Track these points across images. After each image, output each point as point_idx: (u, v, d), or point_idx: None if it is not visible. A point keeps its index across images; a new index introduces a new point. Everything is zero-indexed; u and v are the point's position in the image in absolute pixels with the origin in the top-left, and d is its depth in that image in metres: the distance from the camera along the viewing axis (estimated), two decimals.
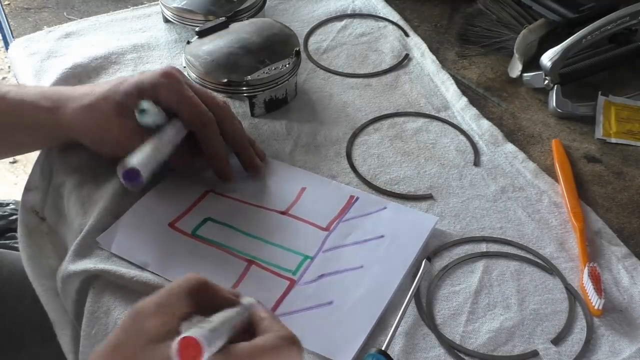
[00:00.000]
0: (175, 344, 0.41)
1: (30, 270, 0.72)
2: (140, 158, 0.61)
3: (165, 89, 0.67)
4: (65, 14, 0.98)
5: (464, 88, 0.86)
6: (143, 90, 0.67)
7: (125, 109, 0.66)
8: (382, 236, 0.67)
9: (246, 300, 0.50)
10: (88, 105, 0.68)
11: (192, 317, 0.46)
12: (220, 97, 0.72)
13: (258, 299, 0.61)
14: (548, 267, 0.65)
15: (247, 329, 0.48)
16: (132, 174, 0.60)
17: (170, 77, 0.67)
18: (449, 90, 0.85)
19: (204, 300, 0.48)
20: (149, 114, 0.65)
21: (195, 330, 0.43)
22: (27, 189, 0.76)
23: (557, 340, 0.60)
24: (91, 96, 0.68)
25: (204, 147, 0.69)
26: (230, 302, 0.49)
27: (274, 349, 0.46)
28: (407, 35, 0.94)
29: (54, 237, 0.74)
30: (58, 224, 0.74)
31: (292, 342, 0.47)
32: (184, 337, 0.41)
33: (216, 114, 0.68)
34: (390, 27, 0.95)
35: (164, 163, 0.65)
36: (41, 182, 0.75)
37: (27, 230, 0.74)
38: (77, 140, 0.71)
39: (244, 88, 0.77)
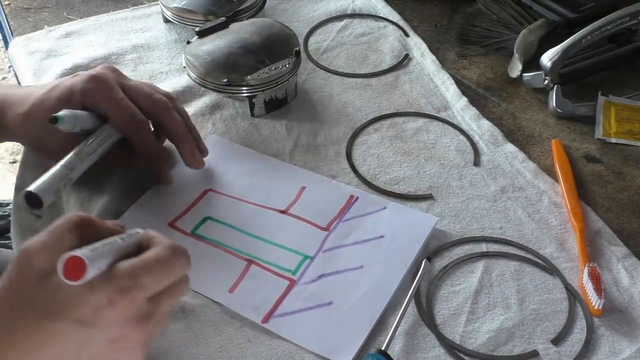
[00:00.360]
0: (59, 263, 0.44)
1: None
2: (41, 183, 0.60)
3: (93, 94, 0.66)
4: (65, 14, 0.98)
5: (464, 88, 0.86)
6: (72, 97, 0.66)
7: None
8: (382, 236, 0.67)
9: (133, 230, 0.52)
10: (24, 113, 0.67)
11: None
12: (161, 91, 0.71)
13: (257, 300, 0.61)
14: (548, 267, 0.65)
15: (138, 252, 0.50)
16: (32, 199, 0.59)
17: (99, 81, 0.66)
18: (449, 90, 0.85)
19: (88, 234, 0.49)
20: (64, 122, 0.63)
21: (78, 250, 0.45)
22: (19, 187, 0.76)
23: (557, 340, 0.60)
24: (27, 103, 0.68)
25: (137, 151, 0.68)
26: (115, 232, 0.51)
27: (161, 260, 0.49)
28: (407, 35, 0.94)
29: None
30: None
31: (179, 251, 0.50)
32: (68, 256, 0.44)
33: (153, 111, 0.68)
34: (390, 27, 0.95)
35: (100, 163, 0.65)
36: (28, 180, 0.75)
37: (20, 229, 0.74)
38: (20, 142, 0.72)
39: (244, 88, 0.77)
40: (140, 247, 0.51)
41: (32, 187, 0.59)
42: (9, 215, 1.45)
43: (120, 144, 0.68)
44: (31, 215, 0.61)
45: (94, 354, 0.48)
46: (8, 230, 1.43)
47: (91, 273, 0.45)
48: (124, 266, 0.48)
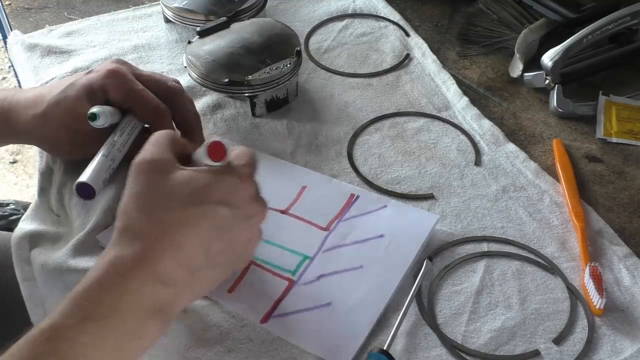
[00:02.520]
0: (204, 146, 0.52)
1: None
2: (91, 172, 0.63)
3: (113, 89, 0.67)
4: (66, 13, 0.98)
5: (465, 88, 0.86)
6: (92, 93, 0.67)
7: (77, 114, 0.66)
8: (381, 235, 0.67)
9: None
10: (39, 114, 0.68)
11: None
12: (170, 78, 0.72)
13: (256, 300, 0.61)
14: (549, 267, 0.65)
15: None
16: (84, 189, 0.63)
17: (117, 75, 0.67)
18: (450, 90, 0.85)
19: (180, 143, 0.57)
20: (100, 118, 0.65)
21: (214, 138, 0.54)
22: (42, 188, 0.77)
23: (559, 340, 0.60)
24: (41, 105, 0.68)
25: None
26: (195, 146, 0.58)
27: (251, 152, 0.57)
28: (407, 35, 0.94)
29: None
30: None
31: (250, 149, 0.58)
32: (210, 141, 0.52)
33: (168, 98, 0.70)
34: (391, 27, 0.95)
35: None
36: (46, 183, 0.75)
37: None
38: (34, 145, 0.74)
39: (245, 88, 0.77)
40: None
41: (83, 178, 0.63)
42: (9, 215, 1.45)
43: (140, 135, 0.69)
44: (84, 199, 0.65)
45: (233, 232, 0.54)
46: (8, 230, 1.43)
47: (229, 156, 0.53)
48: (235, 155, 0.55)
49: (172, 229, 0.50)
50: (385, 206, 0.70)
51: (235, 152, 0.56)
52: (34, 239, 0.70)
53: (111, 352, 0.48)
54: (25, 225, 0.73)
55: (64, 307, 0.48)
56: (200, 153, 0.54)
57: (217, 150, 0.53)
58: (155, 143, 0.55)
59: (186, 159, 0.56)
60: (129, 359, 0.50)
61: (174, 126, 0.71)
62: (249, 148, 0.57)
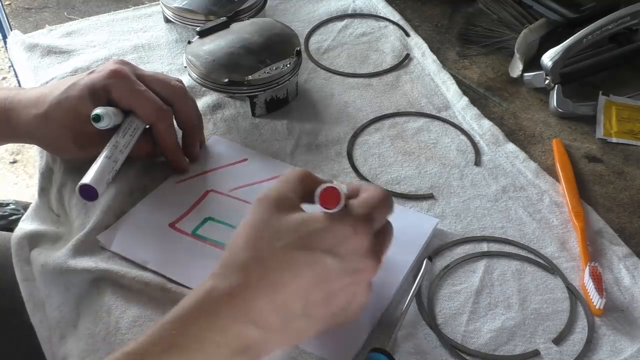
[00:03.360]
0: (318, 191, 0.50)
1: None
2: (94, 174, 0.63)
3: (116, 89, 0.67)
4: (65, 13, 0.99)
5: (465, 88, 0.86)
6: (95, 94, 0.67)
7: (80, 114, 0.66)
8: None
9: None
10: (41, 114, 0.68)
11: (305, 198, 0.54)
12: (173, 78, 0.72)
13: None
14: (549, 267, 0.65)
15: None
16: (87, 190, 0.62)
17: (120, 75, 0.67)
18: (450, 90, 0.85)
19: (311, 183, 0.55)
20: (104, 119, 0.65)
21: (329, 183, 0.51)
22: (42, 188, 0.76)
23: (559, 340, 0.60)
24: (43, 105, 0.68)
25: (158, 140, 0.70)
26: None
27: (382, 196, 0.54)
28: (407, 35, 0.94)
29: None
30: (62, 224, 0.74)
31: (387, 193, 0.55)
32: (325, 186, 0.51)
33: (170, 99, 0.70)
34: (391, 27, 0.95)
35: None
36: (47, 183, 0.75)
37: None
38: (36, 145, 0.73)
39: (245, 88, 0.77)
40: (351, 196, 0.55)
41: (86, 180, 0.62)
42: (9, 215, 1.45)
43: (142, 135, 0.70)
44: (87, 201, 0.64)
45: (336, 285, 0.51)
46: (8, 230, 1.42)
47: (342, 203, 0.51)
48: (358, 202, 0.52)
49: (273, 269, 0.49)
50: None
51: (363, 196, 0.53)
52: (34, 239, 0.70)
53: None
54: (25, 225, 0.73)
55: (151, 332, 0.47)
56: (316, 194, 0.51)
57: (329, 197, 0.50)
58: (285, 180, 0.54)
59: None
60: None
61: (175, 126, 0.71)
62: (381, 190, 0.54)
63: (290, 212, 0.51)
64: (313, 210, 0.52)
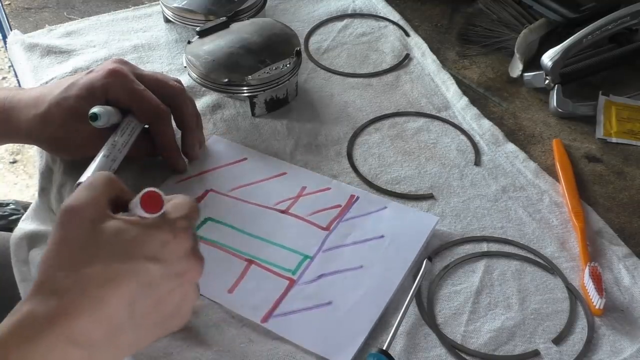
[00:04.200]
0: (138, 197, 0.48)
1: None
2: (92, 173, 0.63)
3: (114, 89, 0.67)
4: (65, 13, 0.99)
5: (465, 88, 0.86)
6: (93, 93, 0.67)
7: (79, 114, 0.66)
8: (382, 236, 0.67)
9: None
10: (41, 114, 0.68)
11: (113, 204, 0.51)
12: (173, 77, 0.72)
13: (257, 300, 0.61)
14: (549, 267, 0.65)
15: None
16: None
17: (118, 75, 0.67)
18: (450, 90, 0.85)
19: (117, 188, 0.52)
20: (102, 118, 0.65)
21: (150, 188, 0.49)
22: (42, 188, 0.76)
23: (558, 340, 0.60)
24: (43, 104, 0.68)
25: (156, 139, 0.70)
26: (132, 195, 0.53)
27: (193, 202, 0.53)
28: (407, 35, 0.94)
29: None
30: None
31: (195, 201, 0.55)
32: (148, 191, 0.48)
33: (169, 99, 0.69)
34: (391, 26, 0.95)
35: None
36: (47, 183, 0.75)
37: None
38: (35, 145, 0.73)
39: (245, 88, 0.77)
40: None
41: (84, 178, 0.62)
42: (9, 215, 1.45)
43: (141, 135, 0.70)
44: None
45: (162, 291, 0.50)
46: (8, 230, 1.42)
47: (164, 207, 0.49)
48: (172, 205, 0.51)
49: (93, 285, 0.46)
50: (385, 207, 0.70)
51: (174, 202, 0.52)
52: (32, 239, 0.70)
53: None
54: (25, 225, 0.73)
55: None
56: (135, 202, 0.49)
57: (151, 202, 0.48)
58: (89, 187, 0.50)
59: (123, 205, 0.52)
60: None
61: (174, 126, 0.71)
62: (189, 198, 0.53)
63: (102, 221, 0.48)
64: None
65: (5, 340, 0.44)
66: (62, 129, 0.68)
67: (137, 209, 0.49)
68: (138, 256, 0.48)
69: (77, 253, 0.47)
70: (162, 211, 0.49)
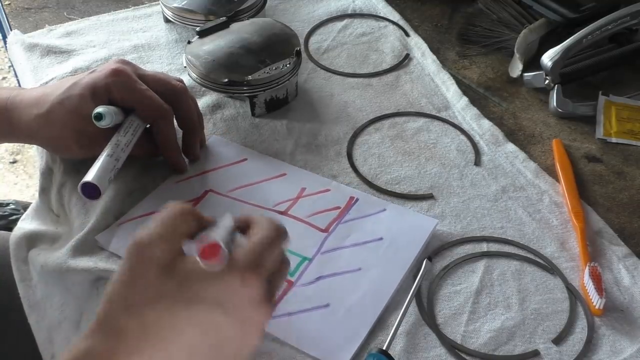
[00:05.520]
0: (197, 249, 0.46)
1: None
2: (96, 172, 0.63)
3: (117, 88, 0.67)
4: (65, 13, 0.99)
5: (465, 88, 0.86)
6: (96, 93, 0.67)
7: (82, 113, 0.66)
8: (380, 238, 0.67)
9: (224, 217, 0.53)
10: (43, 114, 0.68)
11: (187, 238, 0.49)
12: (175, 77, 0.72)
13: None
14: (549, 267, 0.65)
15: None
16: (90, 189, 0.62)
17: (121, 75, 0.67)
18: (450, 90, 0.85)
19: (191, 221, 0.51)
20: (106, 118, 0.65)
21: (209, 234, 0.47)
22: (43, 188, 0.76)
23: (558, 340, 0.60)
24: (45, 104, 0.68)
25: (157, 139, 0.70)
26: (212, 222, 0.52)
27: (272, 239, 0.50)
28: (407, 35, 0.94)
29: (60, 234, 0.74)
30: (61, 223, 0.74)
31: (281, 228, 0.52)
32: (205, 243, 0.46)
33: (171, 98, 0.69)
34: (391, 26, 0.95)
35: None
36: (47, 183, 0.76)
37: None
38: (37, 145, 0.73)
39: (245, 88, 0.77)
40: (242, 229, 0.52)
41: (89, 178, 0.62)
42: (9, 215, 1.45)
43: (143, 134, 0.70)
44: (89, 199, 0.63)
45: (225, 338, 0.48)
46: (8, 230, 1.42)
47: (225, 255, 0.47)
48: (246, 249, 0.49)
49: (155, 330, 0.45)
50: (384, 209, 0.70)
51: (252, 239, 0.49)
52: (32, 239, 0.70)
53: None
54: (25, 224, 0.73)
55: None
56: (194, 248, 0.47)
57: (210, 254, 0.46)
58: (162, 223, 0.49)
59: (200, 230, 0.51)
60: None
61: (176, 126, 0.71)
62: (275, 229, 0.50)
63: (171, 264, 0.47)
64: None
65: None
66: (64, 129, 0.68)
67: (196, 252, 0.47)
68: (201, 303, 0.46)
69: (141, 295, 0.46)
70: (221, 266, 0.47)
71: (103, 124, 0.65)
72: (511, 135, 0.80)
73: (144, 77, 0.69)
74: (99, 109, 0.65)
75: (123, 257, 0.48)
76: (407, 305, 0.60)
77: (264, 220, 0.52)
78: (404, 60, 0.89)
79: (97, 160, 0.64)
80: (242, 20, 0.86)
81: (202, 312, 0.46)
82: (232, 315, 0.47)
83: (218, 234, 0.49)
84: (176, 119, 0.71)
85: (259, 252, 0.49)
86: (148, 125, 0.70)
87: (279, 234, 0.51)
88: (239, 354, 0.51)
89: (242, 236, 0.51)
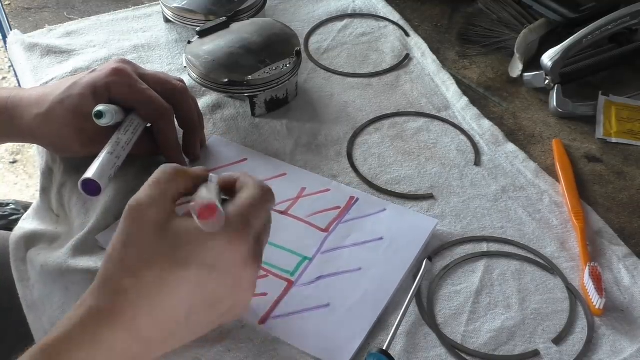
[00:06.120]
0: (196, 206, 0.47)
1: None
2: (97, 169, 0.63)
3: (118, 88, 0.67)
4: (65, 13, 0.99)
5: (465, 88, 0.86)
6: (96, 92, 0.67)
7: (82, 112, 0.66)
8: (380, 238, 0.67)
9: (212, 174, 0.56)
10: (43, 113, 0.68)
11: (179, 198, 0.52)
12: (175, 77, 0.72)
13: (255, 301, 0.61)
14: (549, 267, 0.65)
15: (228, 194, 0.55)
16: (90, 185, 0.62)
17: (121, 74, 0.67)
18: (450, 90, 0.85)
19: (184, 181, 0.53)
20: (106, 116, 0.65)
21: (203, 195, 0.50)
22: (44, 188, 0.76)
23: (558, 340, 0.60)
24: (45, 104, 0.68)
25: (158, 138, 0.70)
26: (204, 177, 0.55)
27: (258, 199, 0.52)
28: (407, 35, 0.94)
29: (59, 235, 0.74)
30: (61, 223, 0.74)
31: (267, 188, 0.54)
32: (202, 203, 0.48)
33: (172, 98, 0.70)
34: (391, 27, 0.95)
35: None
36: (48, 183, 0.76)
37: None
38: (38, 144, 0.73)
39: (245, 88, 0.77)
40: (227, 189, 0.55)
41: (89, 174, 0.62)
42: (9, 215, 1.45)
43: (143, 133, 0.70)
44: (89, 196, 0.63)
45: (218, 296, 0.51)
46: (8, 230, 1.42)
47: (221, 215, 0.48)
48: (234, 210, 0.51)
49: (152, 289, 0.49)
50: (384, 209, 0.70)
51: (240, 201, 0.51)
52: (31, 239, 0.70)
53: None
54: (25, 224, 0.73)
55: (29, 356, 0.46)
56: (192, 207, 0.49)
57: (208, 214, 0.48)
58: (155, 184, 0.52)
59: (194, 189, 0.53)
60: None
61: (176, 126, 0.71)
62: (261, 190, 0.52)
63: (166, 222, 0.50)
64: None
65: (69, 333, 0.47)
66: (64, 128, 0.68)
67: (194, 213, 0.48)
68: (195, 264, 0.49)
69: (138, 256, 0.49)
70: (219, 227, 0.49)
71: (103, 122, 0.65)
72: (511, 135, 0.80)
73: (144, 76, 0.69)
74: (100, 107, 0.65)
75: (123, 215, 0.51)
76: (407, 305, 0.60)
77: (250, 180, 0.54)
78: (404, 60, 0.89)
79: (97, 158, 0.64)
80: (242, 20, 0.86)
81: (195, 271, 0.49)
82: (224, 274, 0.50)
83: (212, 194, 0.51)
84: (176, 119, 0.71)
85: (247, 213, 0.51)
86: (149, 125, 0.70)
87: (265, 194, 0.53)
88: (232, 311, 0.54)
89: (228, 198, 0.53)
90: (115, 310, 0.48)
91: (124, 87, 0.67)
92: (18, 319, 0.71)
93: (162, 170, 0.53)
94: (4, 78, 2.35)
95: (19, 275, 0.70)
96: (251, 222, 0.52)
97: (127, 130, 0.67)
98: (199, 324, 0.52)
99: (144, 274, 0.49)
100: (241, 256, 0.51)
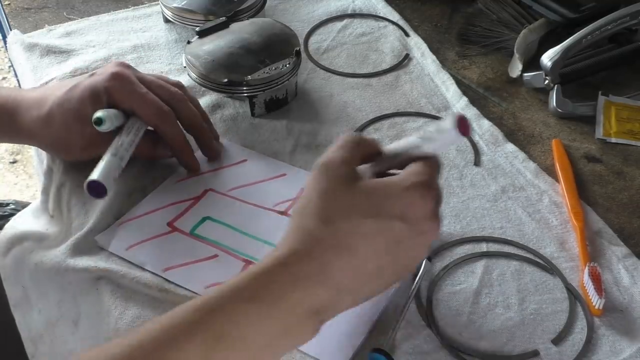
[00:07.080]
0: (456, 118, 0.50)
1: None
2: (102, 170, 0.63)
3: (118, 92, 0.67)
4: (65, 13, 0.99)
5: (465, 88, 0.86)
6: (96, 96, 0.67)
7: (81, 116, 0.66)
8: None
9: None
10: (43, 115, 0.68)
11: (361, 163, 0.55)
12: (171, 80, 0.73)
13: None
14: (548, 267, 0.65)
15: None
16: (96, 187, 0.62)
17: (121, 78, 0.68)
18: (450, 90, 0.85)
19: (367, 149, 0.56)
20: (106, 122, 0.65)
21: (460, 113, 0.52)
22: (44, 188, 0.77)
23: (558, 340, 0.60)
24: (45, 106, 0.68)
25: (167, 141, 0.70)
26: (380, 150, 0.57)
27: (438, 161, 0.55)
28: (407, 35, 0.94)
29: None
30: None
31: (440, 160, 0.56)
32: (460, 116, 0.50)
33: (172, 101, 0.70)
34: (391, 27, 0.95)
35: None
36: (48, 182, 0.76)
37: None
38: (37, 147, 0.73)
39: (245, 88, 0.77)
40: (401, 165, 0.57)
41: (95, 176, 0.62)
42: (9, 215, 1.45)
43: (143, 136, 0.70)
44: (94, 197, 0.63)
45: (404, 247, 0.52)
46: None
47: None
48: (420, 168, 0.53)
49: (348, 238, 0.50)
50: None
51: (419, 164, 0.54)
52: (17, 237, 0.71)
53: (264, 341, 0.48)
54: (16, 223, 0.73)
55: (231, 284, 0.48)
56: (447, 123, 0.52)
57: (464, 126, 0.51)
58: (342, 147, 0.54)
59: (370, 160, 0.56)
60: (276, 354, 0.50)
61: (181, 127, 0.71)
62: (434, 158, 0.55)
63: (355, 180, 0.52)
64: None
65: (270, 270, 0.49)
66: (63, 131, 0.68)
67: (452, 129, 0.51)
68: (388, 215, 0.51)
69: (333, 206, 0.51)
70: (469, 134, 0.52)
71: (103, 128, 0.65)
72: (511, 135, 0.80)
73: (142, 80, 0.69)
74: (99, 114, 0.65)
75: (310, 175, 0.53)
76: (406, 306, 0.60)
77: (426, 154, 0.56)
78: (404, 61, 0.89)
79: (101, 160, 0.64)
80: (242, 20, 0.86)
81: (388, 223, 0.51)
82: (413, 226, 0.52)
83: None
84: (180, 124, 0.71)
85: (432, 173, 0.54)
86: (150, 128, 0.70)
87: (439, 160, 0.56)
88: (411, 263, 0.57)
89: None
90: (314, 251, 0.50)
91: (124, 91, 0.67)
92: (4, 319, 0.72)
93: (349, 135, 0.56)
94: (4, 78, 2.35)
95: (4, 274, 0.70)
96: (435, 182, 0.54)
97: (129, 131, 0.67)
98: (382, 277, 0.53)
99: (340, 223, 0.50)
100: (430, 210, 0.53)
